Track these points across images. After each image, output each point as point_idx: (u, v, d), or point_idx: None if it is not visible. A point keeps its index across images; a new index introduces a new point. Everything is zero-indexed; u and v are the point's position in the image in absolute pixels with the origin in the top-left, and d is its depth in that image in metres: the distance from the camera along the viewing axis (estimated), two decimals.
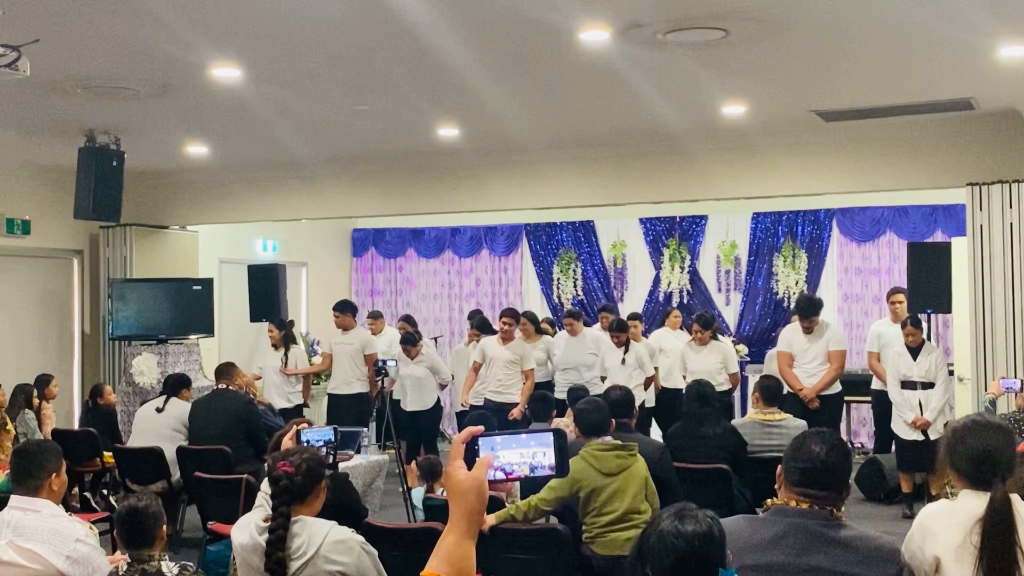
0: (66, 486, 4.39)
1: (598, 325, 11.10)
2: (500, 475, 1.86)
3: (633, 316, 10.98)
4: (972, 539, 2.99)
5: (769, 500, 3.20)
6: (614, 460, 5.39)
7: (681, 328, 11.27)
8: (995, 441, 3.15)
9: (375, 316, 12.02)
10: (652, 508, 5.40)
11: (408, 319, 11.89)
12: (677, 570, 2.36)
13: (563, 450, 1.88)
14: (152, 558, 3.99)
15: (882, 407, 9.57)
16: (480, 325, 10.34)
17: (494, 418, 9.11)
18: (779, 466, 3.20)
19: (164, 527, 4.11)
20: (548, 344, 10.35)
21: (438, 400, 10.61)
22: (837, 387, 9.19)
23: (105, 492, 8.91)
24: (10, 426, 8.30)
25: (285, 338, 10.25)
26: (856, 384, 10.44)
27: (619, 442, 5.48)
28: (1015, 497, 3.05)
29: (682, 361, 10.10)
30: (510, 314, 9.88)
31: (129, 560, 4.01)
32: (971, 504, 3.06)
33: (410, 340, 10.31)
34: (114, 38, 5.99)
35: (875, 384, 9.79)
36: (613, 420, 5.75)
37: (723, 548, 2.39)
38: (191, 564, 4.10)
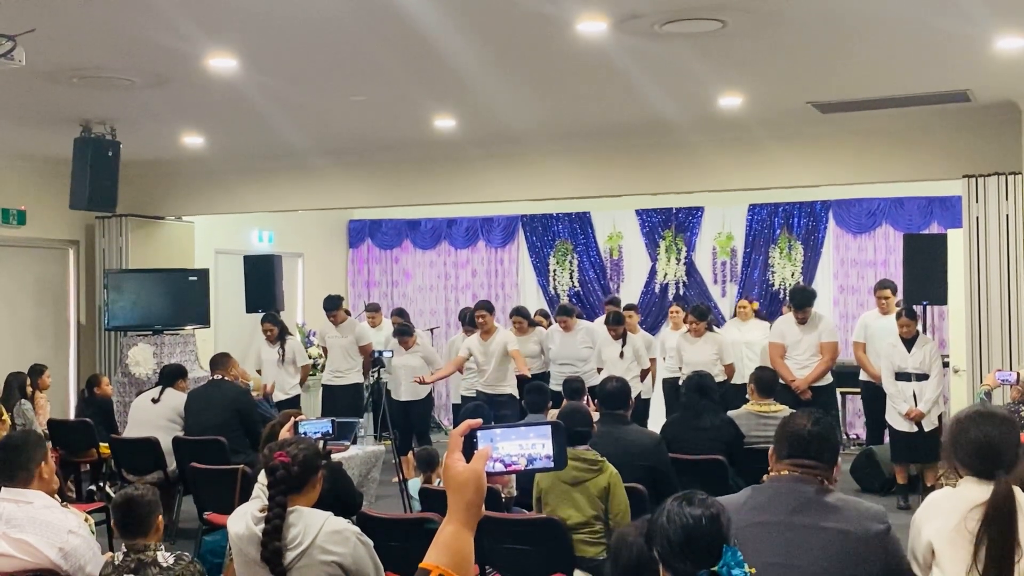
0: (55, 473, 4.39)
1: (602, 318, 11.09)
2: (499, 467, 1.86)
3: (629, 307, 11.00)
4: (968, 524, 3.01)
5: (764, 476, 3.37)
6: (570, 471, 5.31)
7: (757, 317, 11.39)
8: (998, 432, 3.17)
9: (373, 308, 12.02)
10: (614, 523, 5.30)
11: (401, 312, 11.93)
12: (685, 546, 2.43)
13: (561, 442, 1.88)
14: (148, 547, 4.00)
15: (871, 398, 9.59)
16: (472, 322, 10.34)
17: (490, 409, 9.16)
18: (770, 447, 3.37)
19: (160, 517, 4.11)
20: (541, 336, 10.36)
21: (431, 391, 10.64)
22: (828, 378, 9.21)
23: (102, 483, 8.91)
24: (5, 416, 8.29)
25: (281, 331, 10.25)
26: (851, 376, 10.47)
27: (589, 454, 5.39)
28: (1016, 488, 3.07)
29: (677, 353, 10.12)
30: (483, 307, 9.80)
31: (125, 550, 4.01)
32: (971, 491, 3.07)
33: (405, 331, 10.33)
34: (110, 28, 5.97)
35: (862, 375, 9.81)
36: (595, 426, 5.71)
37: (729, 530, 2.46)
38: (187, 554, 4.11)
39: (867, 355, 9.55)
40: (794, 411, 3.46)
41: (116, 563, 3.99)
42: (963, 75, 7.47)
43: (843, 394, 10.97)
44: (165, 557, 4.00)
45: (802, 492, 3.19)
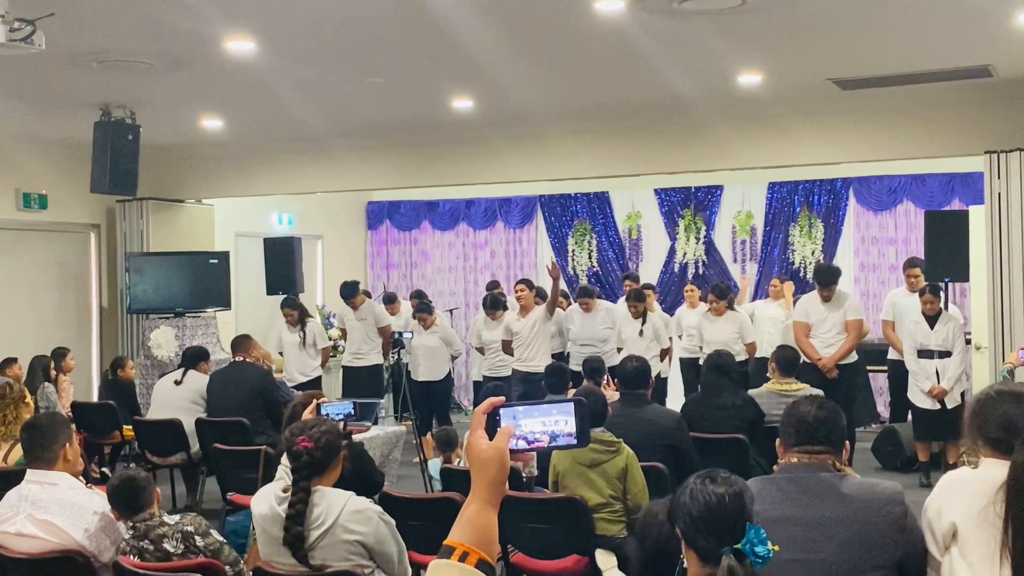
0: (79, 455, 4.43)
1: (624, 297, 11.08)
2: (522, 444, 1.86)
3: (646, 287, 10.98)
4: (996, 507, 2.96)
5: (774, 466, 3.39)
6: (588, 453, 5.32)
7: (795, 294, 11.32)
8: (1020, 408, 3.14)
9: (390, 300, 12.00)
10: (633, 503, 5.32)
11: (419, 294, 11.95)
12: (708, 523, 2.43)
13: (584, 419, 1.88)
14: (152, 516, 4.07)
15: (898, 376, 9.55)
16: (493, 304, 10.35)
17: (521, 386, 9.23)
18: (777, 439, 3.37)
19: (156, 490, 4.19)
20: (559, 317, 10.37)
21: (449, 371, 10.68)
22: (854, 356, 9.17)
23: (127, 465, 8.97)
24: (28, 399, 8.35)
25: (301, 315, 10.29)
26: (872, 353, 10.43)
27: (606, 436, 5.38)
28: None
29: (698, 332, 10.11)
30: (524, 282, 9.96)
31: (131, 525, 4.08)
32: (994, 472, 3.03)
33: (425, 309, 10.37)
34: (128, 11, 5.98)
35: (891, 354, 9.78)
36: (609, 408, 5.73)
37: (752, 508, 2.46)
38: (191, 512, 4.17)
39: (896, 333, 9.52)
40: (802, 397, 3.46)
41: (127, 538, 4.07)
42: (984, 50, 7.40)
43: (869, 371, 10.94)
44: (171, 517, 4.07)
45: (816, 480, 3.19)
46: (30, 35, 5.31)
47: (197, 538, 4.01)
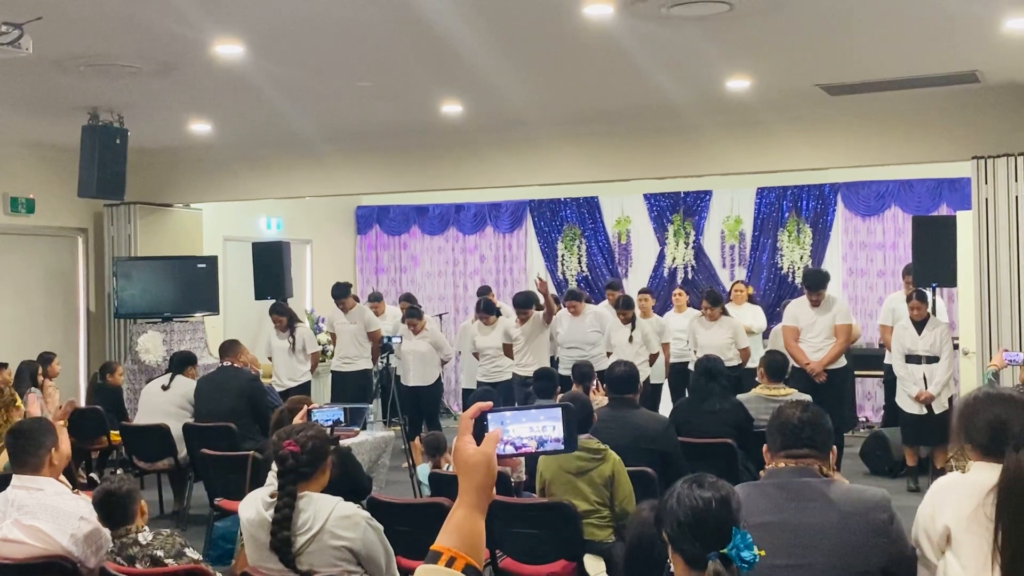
0: (66, 459, 4.41)
1: (605, 302, 11.10)
2: (510, 449, 1.86)
3: (643, 292, 10.99)
4: (986, 510, 2.97)
5: (761, 471, 3.40)
6: (574, 461, 5.30)
7: (751, 302, 11.38)
8: (1008, 411, 3.15)
9: (376, 299, 12.02)
10: (620, 509, 5.31)
11: (409, 297, 11.95)
12: (694, 527, 2.44)
13: (571, 425, 1.88)
14: (129, 532, 4.05)
15: (893, 381, 9.57)
16: (487, 308, 10.34)
17: (521, 390, 9.25)
18: (763, 445, 3.39)
19: (141, 502, 4.15)
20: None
21: (439, 376, 10.67)
22: (843, 361, 9.19)
23: (115, 471, 8.94)
24: (19, 402, 8.32)
25: (290, 320, 10.27)
26: (861, 358, 10.44)
27: (592, 443, 5.35)
28: None
29: (692, 337, 10.11)
30: (523, 303, 10.02)
31: (113, 538, 4.07)
32: (984, 476, 3.04)
33: (415, 313, 10.36)
34: (116, 15, 5.97)
35: (887, 358, 9.79)
36: (596, 416, 5.73)
37: (739, 513, 2.47)
38: (165, 530, 4.15)
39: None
40: (788, 401, 3.48)
41: (111, 549, 4.06)
42: (972, 56, 7.43)
43: (855, 376, 10.96)
44: (145, 536, 4.05)
45: (803, 485, 3.20)
46: (17, 39, 5.31)
47: (169, 561, 3.96)
